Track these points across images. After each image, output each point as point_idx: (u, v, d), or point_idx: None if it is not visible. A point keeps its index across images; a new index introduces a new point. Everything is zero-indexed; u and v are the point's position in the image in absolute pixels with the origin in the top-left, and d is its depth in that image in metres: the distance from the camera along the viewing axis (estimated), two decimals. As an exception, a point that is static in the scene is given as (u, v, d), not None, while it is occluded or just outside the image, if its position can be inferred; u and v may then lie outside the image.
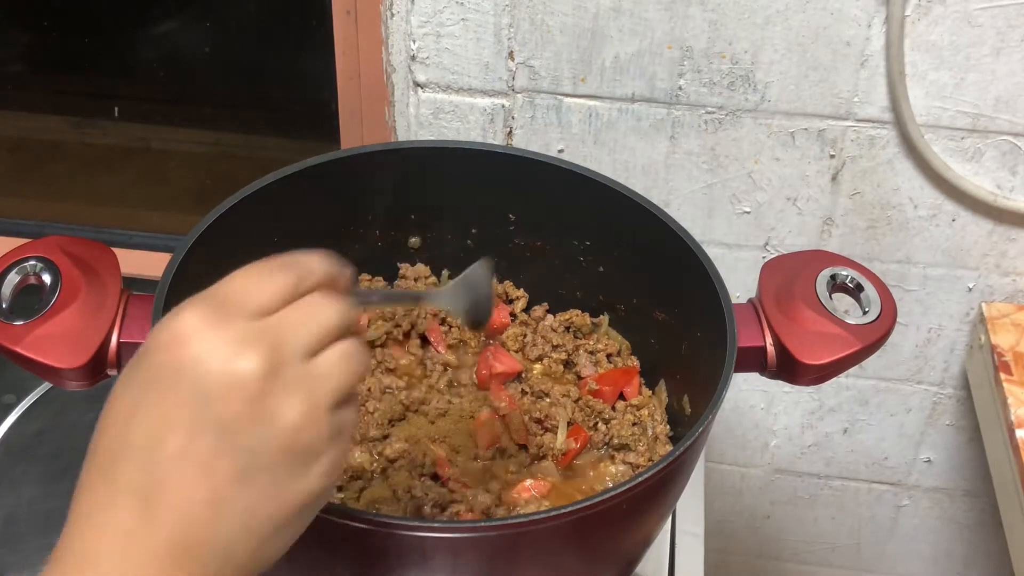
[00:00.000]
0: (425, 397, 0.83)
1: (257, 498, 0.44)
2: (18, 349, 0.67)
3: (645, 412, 0.83)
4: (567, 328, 0.89)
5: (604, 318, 0.89)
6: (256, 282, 0.46)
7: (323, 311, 0.47)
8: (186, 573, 0.43)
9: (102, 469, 0.44)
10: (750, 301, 0.77)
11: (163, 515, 0.43)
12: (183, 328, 0.44)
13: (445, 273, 0.92)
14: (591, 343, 0.88)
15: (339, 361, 0.47)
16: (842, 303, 0.75)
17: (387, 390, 0.83)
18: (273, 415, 0.44)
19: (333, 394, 0.46)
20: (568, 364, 0.88)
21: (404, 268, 0.91)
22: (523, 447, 0.81)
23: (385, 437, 0.79)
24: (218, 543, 0.44)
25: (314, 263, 0.48)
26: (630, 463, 0.80)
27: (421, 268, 0.91)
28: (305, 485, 0.46)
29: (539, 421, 0.81)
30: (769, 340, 0.74)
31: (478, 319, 0.64)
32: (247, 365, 0.44)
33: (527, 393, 0.84)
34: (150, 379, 0.44)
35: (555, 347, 0.88)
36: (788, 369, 0.73)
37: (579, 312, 0.90)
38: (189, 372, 0.44)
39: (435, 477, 0.77)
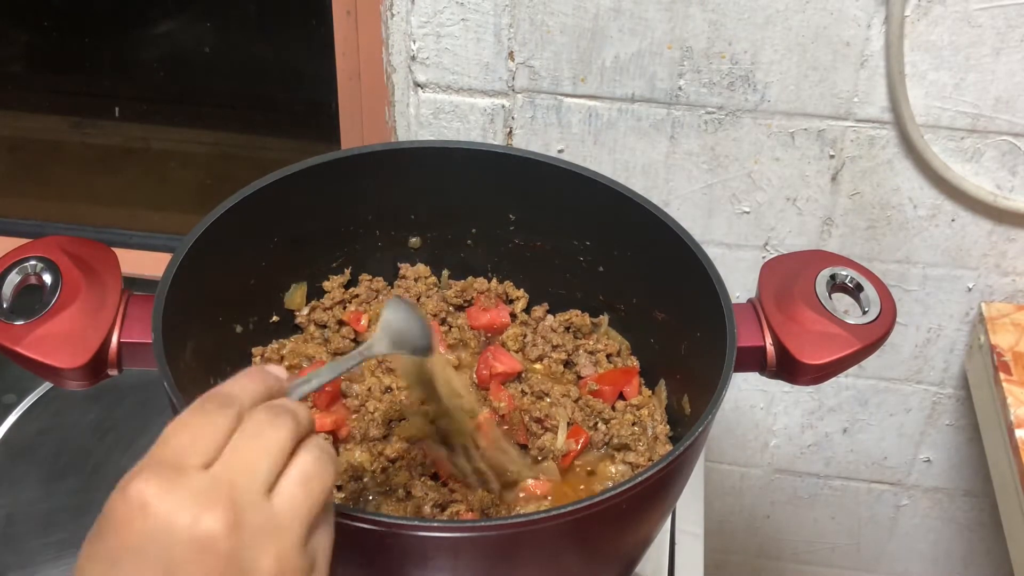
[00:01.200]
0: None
1: None
2: (18, 349, 0.67)
3: (645, 412, 0.83)
4: (567, 328, 0.89)
5: (604, 318, 0.89)
6: (197, 431, 0.45)
7: (270, 435, 0.46)
8: None
9: None
10: (750, 301, 0.77)
11: None
12: (139, 497, 0.43)
13: (445, 273, 0.92)
14: (591, 343, 0.88)
15: (300, 489, 0.46)
16: (842, 303, 0.76)
17: (387, 390, 0.83)
18: (247, 571, 0.43)
19: (302, 528, 0.46)
20: (568, 364, 0.88)
21: (404, 268, 0.91)
22: (523, 447, 0.81)
23: (385, 437, 0.79)
24: None
25: (244, 386, 0.48)
26: (630, 463, 0.80)
27: (421, 268, 0.91)
28: None
29: (539, 421, 0.81)
30: (769, 340, 0.74)
31: (423, 346, 0.63)
32: (211, 524, 0.43)
33: (527, 393, 0.84)
34: (115, 557, 0.43)
35: (555, 347, 0.88)
36: (788, 369, 0.73)
37: (579, 312, 0.90)
38: (154, 543, 0.42)
39: (435, 477, 0.77)
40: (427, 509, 0.74)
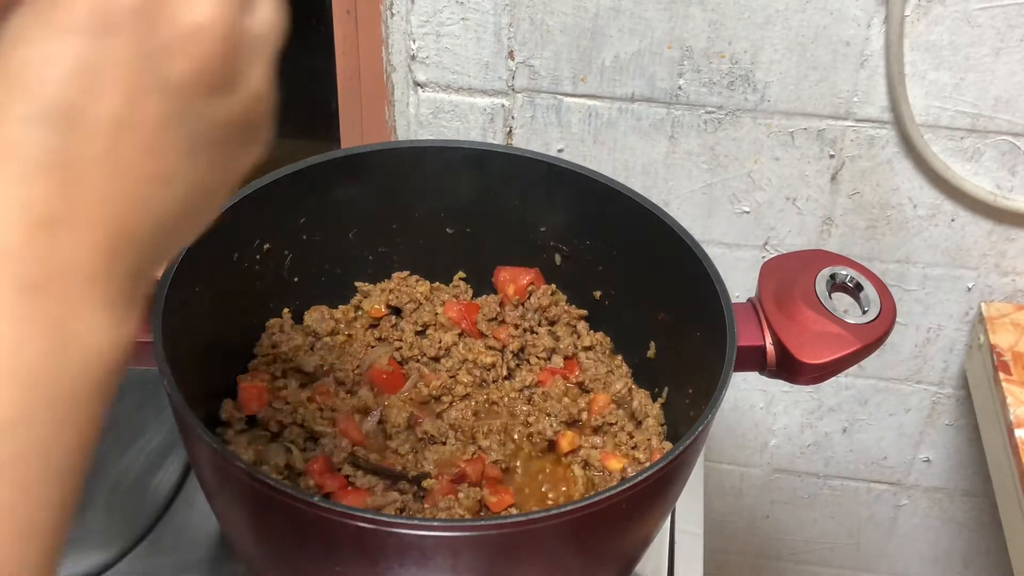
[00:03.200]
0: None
1: (210, 166, 0.38)
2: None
3: (644, 411, 0.83)
4: (552, 322, 0.90)
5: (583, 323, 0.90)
6: None
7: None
8: (127, 276, 0.36)
9: (5, 134, 0.34)
10: (750, 301, 0.77)
11: (100, 197, 0.35)
12: None
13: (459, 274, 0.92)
14: (583, 340, 0.88)
15: (272, 11, 0.39)
16: (841, 303, 0.76)
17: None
18: (231, 83, 0.38)
19: (272, 52, 0.40)
20: (551, 358, 0.88)
21: (403, 275, 0.92)
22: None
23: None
24: (159, 229, 0.37)
25: None
26: (627, 458, 0.80)
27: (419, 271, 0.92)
28: (253, 152, 0.41)
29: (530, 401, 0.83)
30: (769, 339, 0.74)
31: None
32: (212, 18, 0.36)
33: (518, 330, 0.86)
34: (75, 26, 0.34)
35: (551, 350, 0.88)
36: (788, 368, 0.73)
37: (569, 307, 0.90)
38: (131, 27, 0.35)
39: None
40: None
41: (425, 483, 0.76)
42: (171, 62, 0.35)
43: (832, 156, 1.05)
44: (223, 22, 0.36)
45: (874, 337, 0.73)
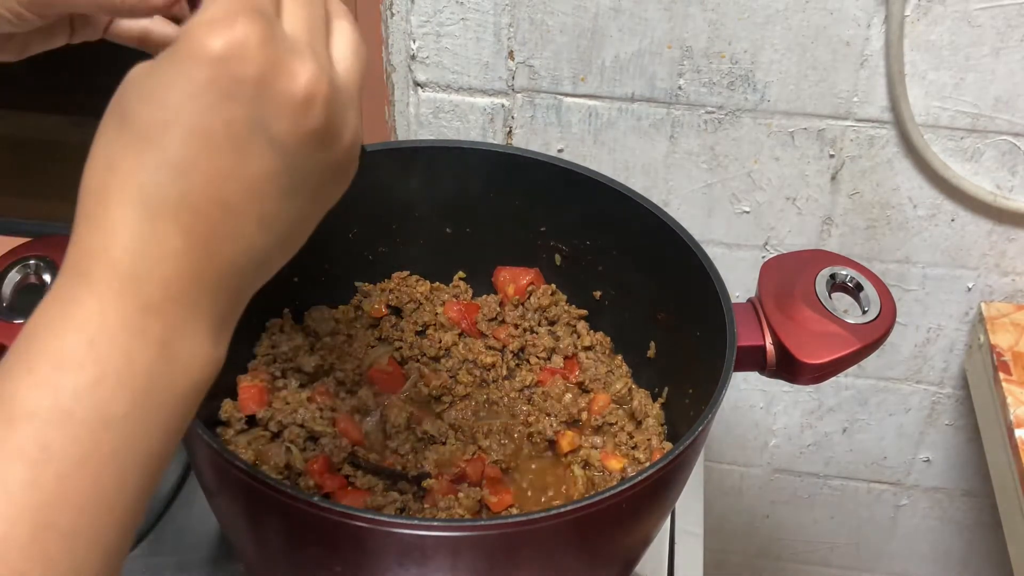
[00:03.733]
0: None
1: (303, 211, 0.43)
2: (18, 348, 0.67)
3: (644, 411, 0.83)
4: (552, 322, 0.90)
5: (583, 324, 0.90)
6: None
7: (315, 3, 0.43)
8: (227, 303, 0.42)
9: (134, 172, 0.40)
10: (750, 300, 0.77)
11: (212, 236, 0.40)
12: (238, 38, 0.39)
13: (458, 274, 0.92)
14: (583, 340, 0.88)
15: (355, 58, 0.44)
16: (841, 303, 0.76)
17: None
18: (330, 140, 0.42)
19: (358, 95, 0.45)
20: (551, 358, 0.88)
21: (403, 275, 0.92)
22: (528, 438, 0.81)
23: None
24: (257, 263, 0.42)
25: None
26: (627, 458, 0.80)
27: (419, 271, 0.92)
28: (340, 189, 0.45)
29: (530, 400, 0.82)
30: (769, 339, 0.74)
31: None
32: (314, 88, 0.40)
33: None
34: (195, 88, 0.39)
35: (551, 349, 0.88)
36: (788, 368, 0.73)
37: (569, 307, 0.90)
38: (246, 90, 0.39)
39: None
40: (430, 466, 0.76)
41: (425, 483, 0.76)
42: (279, 125, 0.40)
43: (832, 156, 1.05)
44: (323, 90, 0.41)
45: (874, 337, 0.73)
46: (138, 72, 0.41)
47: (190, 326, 0.40)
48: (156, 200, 0.39)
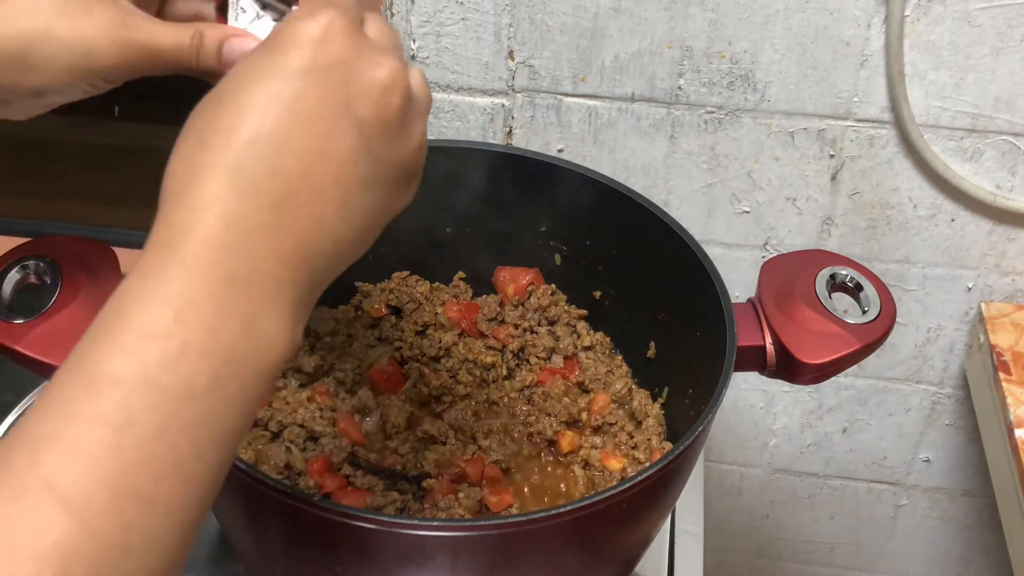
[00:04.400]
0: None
1: (377, 205, 0.45)
2: (18, 348, 0.67)
3: (644, 411, 0.83)
4: (552, 322, 0.90)
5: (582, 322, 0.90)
6: (370, 9, 0.47)
7: (395, 36, 0.47)
8: (306, 287, 0.43)
9: (225, 151, 0.41)
10: (750, 300, 0.77)
11: (297, 214, 0.42)
12: (328, 29, 0.43)
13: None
14: (583, 340, 0.88)
15: (423, 83, 0.48)
16: (841, 303, 0.76)
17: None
18: (404, 136, 0.45)
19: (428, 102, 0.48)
20: (551, 358, 0.88)
21: (403, 275, 0.91)
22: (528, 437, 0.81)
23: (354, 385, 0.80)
24: (335, 251, 0.44)
25: None
26: (627, 458, 0.80)
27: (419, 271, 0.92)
28: (404, 200, 0.48)
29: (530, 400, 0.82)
30: (769, 339, 0.74)
31: None
32: (395, 80, 0.44)
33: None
34: (288, 72, 0.42)
35: (551, 349, 0.88)
36: (788, 368, 0.73)
37: (569, 307, 0.90)
38: (335, 73, 0.42)
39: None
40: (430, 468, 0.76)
41: (425, 483, 0.76)
42: (363, 107, 0.43)
43: (832, 156, 1.05)
44: (403, 82, 0.44)
45: (874, 337, 0.73)
46: (236, 67, 0.44)
47: (273, 304, 0.41)
48: (248, 174, 0.41)
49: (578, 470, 0.80)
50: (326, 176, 0.42)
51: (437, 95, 1.07)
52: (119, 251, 0.75)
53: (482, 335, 0.89)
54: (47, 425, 0.37)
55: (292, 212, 0.41)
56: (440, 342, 0.87)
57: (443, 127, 1.09)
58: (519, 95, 1.06)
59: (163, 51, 0.53)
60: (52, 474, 0.36)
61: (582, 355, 0.87)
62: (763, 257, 1.13)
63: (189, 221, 0.41)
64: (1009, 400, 1.00)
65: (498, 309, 0.90)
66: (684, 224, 0.79)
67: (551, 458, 0.82)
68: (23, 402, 1.03)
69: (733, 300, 0.74)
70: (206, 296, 0.39)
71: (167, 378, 0.38)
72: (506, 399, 0.85)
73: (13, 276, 0.71)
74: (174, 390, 0.38)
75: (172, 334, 0.39)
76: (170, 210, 0.41)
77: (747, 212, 1.10)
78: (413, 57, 1.05)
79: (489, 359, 0.86)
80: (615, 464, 0.80)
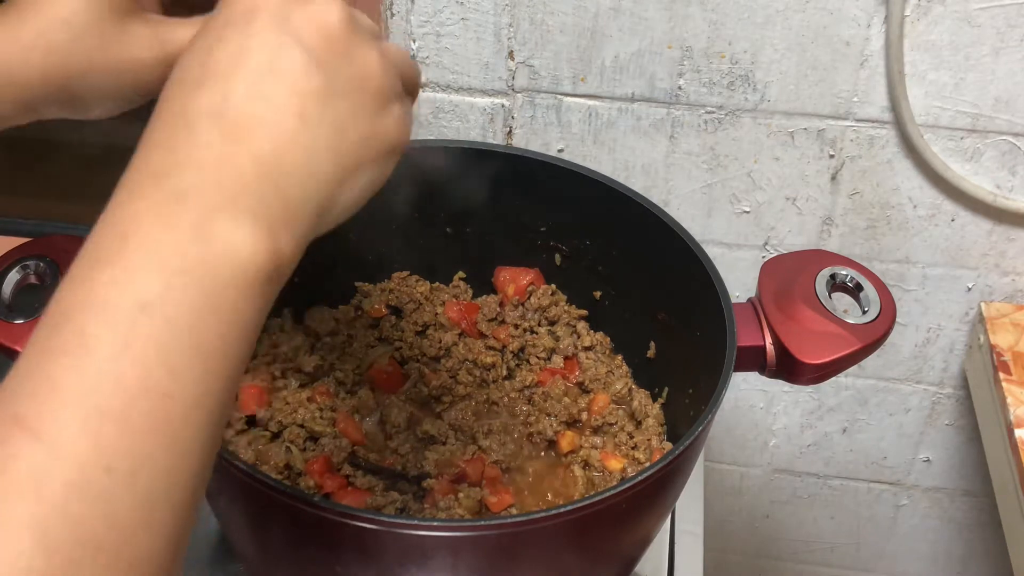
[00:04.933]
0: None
1: (343, 118, 0.45)
2: (18, 348, 0.67)
3: (644, 411, 0.83)
4: (552, 322, 0.90)
5: (582, 322, 0.90)
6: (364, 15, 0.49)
7: (407, 56, 0.50)
8: (275, 198, 0.42)
9: (176, 96, 0.43)
10: (750, 300, 0.77)
11: (251, 131, 0.42)
12: None
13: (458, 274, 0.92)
14: (583, 340, 0.88)
15: (400, 52, 0.49)
16: (841, 303, 0.76)
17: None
18: (353, 55, 0.46)
19: (400, 65, 0.49)
20: (551, 358, 0.88)
21: (403, 275, 0.91)
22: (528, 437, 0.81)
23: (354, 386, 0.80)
24: (304, 163, 0.43)
25: None
26: (627, 458, 0.80)
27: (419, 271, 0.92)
28: (383, 126, 0.47)
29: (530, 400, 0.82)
30: (769, 339, 0.74)
31: None
32: (330, 5, 0.45)
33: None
34: (230, 19, 0.44)
35: (551, 350, 0.88)
36: (788, 368, 0.73)
37: (569, 307, 0.90)
38: (272, 7, 0.44)
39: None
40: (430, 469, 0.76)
41: (425, 483, 0.76)
42: (305, 32, 0.44)
43: (832, 156, 1.05)
44: (337, 9, 0.45)
45: (874, 337, 0.73)
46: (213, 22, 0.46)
47: (226, 212, 0.40)
48: (192, 109, 0.42)
49: (578, 470, 0.80)
50: (276, 88, 0.43)
51: (437, 95, 1.07)
52: (119, 251, 0.74)
53: (482, 335, 0.89)
54: (19, 369, 0.37)
55: (242, 128, 0.42)
56: (440, 342, 0.87)
57: (443, 127, 1.09)
58: (519, 95, 1.06)
59: None
60: (20, 409, 0.36)
61: (582, 355, 0.87)
62: (763, 257, 1.13)
63: (139, 161, 0.42)
64: (1009, 400, 1.00)
65: (498, 309, 0.90)
66: (684, 224, 0.79)
67: (551, 458, 0.82)
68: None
69: (733, 300, 0.74)
70: (149, 210, 0.40)
71: (117, 295, 0.38)
72: (506, 399, 0.85)
73: (13, 276, 0.71)
74: (126, 306, 0.38)
75: (119, 252, 0.39)
76: (132, 159, 0.43)
77: (747, 212, 1.10)
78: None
79: (489, 359, 0.86)
80: (615, 464, 0.80)
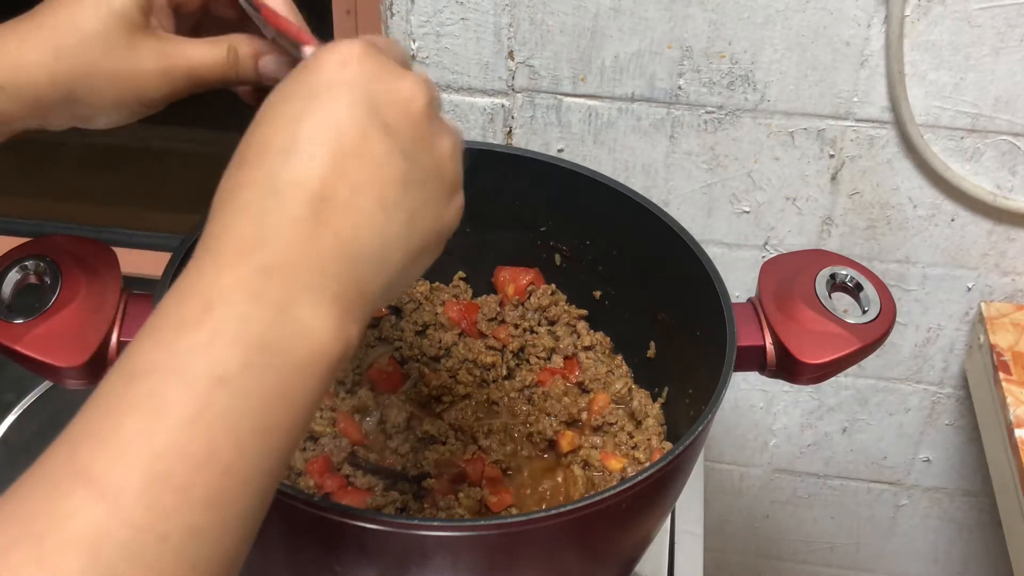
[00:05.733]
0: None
1: (416, 207, 0.46)
2: (18, 348, 0.67)
3: (644, 411, 0.83)
4: (552, 322, 0.90)
5: (582, 322, 0.90)
6: (392, 42, 0.50)
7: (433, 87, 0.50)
8: (351, 282, 0.43)
9: (262, 162, 0.43)
10: (750, 300, 0.77)
11: (335, 211, 0.43)
12: (349, 52, 0.45)
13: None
14: (583, 340, 0.88)
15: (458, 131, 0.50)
16: (841, 302, 0.76)
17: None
18: (432, 141, 0.47)
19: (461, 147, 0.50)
20: (551, 358, 0.88)
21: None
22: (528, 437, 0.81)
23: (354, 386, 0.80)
24: (378, 249, 0.44)
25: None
26: (627, 458, 0.80)
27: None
28: (449, 214, 0.50)
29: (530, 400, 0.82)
30: (769, 339, 0.74)
31: None
32: (417, 89, 0.46)
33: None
34: (317, 90, 0.45)
35: (551, 349, 0.88)
36: (788, 368, 0.73)
37: (569, 307, 0.90)
38: (360, 85, 0.45)
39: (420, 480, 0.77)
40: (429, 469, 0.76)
41: (425, 483, 0.76)
42: (391, 113, 0.45)
43: (832, 156, 1.05)
44: (425, 91, 0.47)
45: (874, 337, 0.73)
46: (270, 94, 0.46)
47: (310, 294, 0.41)
48: (282, 179, 0.42)
49: (578, 470, 0.80)
50: (362, 173, 0.43)
51: (437, 95, 1.07)
52: (119, 251, 0.75)
53: (482, 335, 0.89)
54: (87, 421, 0.38)
55: (329, 208, 0.42)
56: (440, 342, 0.87)
57: (443, 127, 1.09)
58: (519, 95, 1.06)
59: (204, 70, 0.56)
60: (86, 463, 0.36)
61: (582, 355, 0.87)
62: (763, 257, 1.13)
63: (225, 225, 0.42)
64: (1009, 400, 1.00)
65: (498, 309, 0.90)
66: (684, 224, 0.79)
67: (551, 458, 0.82)
68: (23, 402, 1.03)
69: (733, 300, 0.74)
70: (236, 284, 0.40)
71: (197, 363, 0.38)
72: (506, 399, 0.85)
73: (13, 276, 0.71)
74: (205, 376, 0.38)
75: (202, 322, 0.39)
76: (210, 222, 0.43)
77: (747, 212, 1.10)
78: (413, 57, 1.05)
79: (489, 359, 0.86)
80: (615, 464, 0.80)
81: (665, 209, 0.81)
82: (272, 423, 0.39)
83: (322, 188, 0.42)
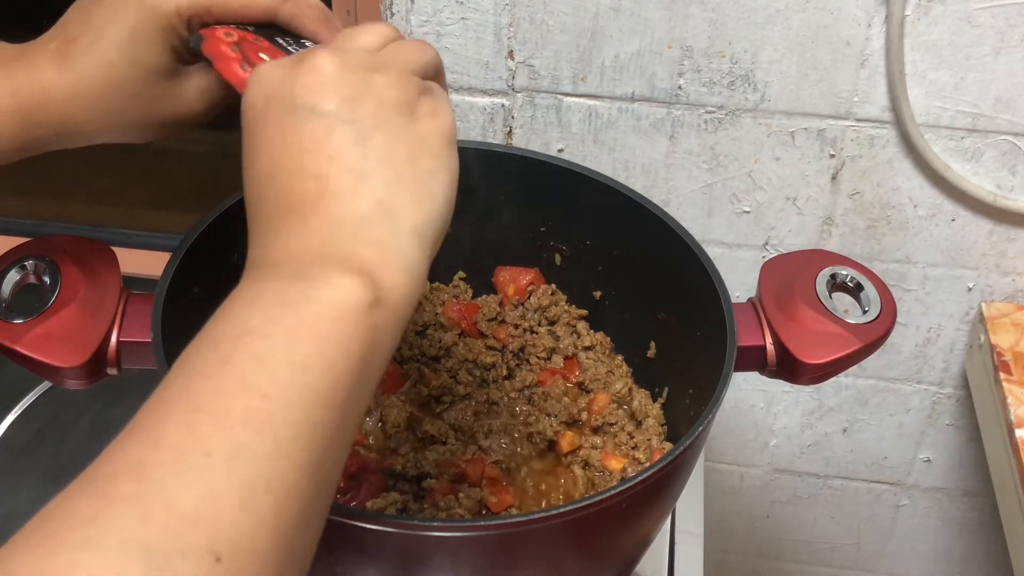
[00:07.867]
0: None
1: (384, 149, 0.48)
2: (17, 348, 0.67)
3: (644, 411, 0.83)
4: (552, 322, 0.90)
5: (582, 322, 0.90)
6: (364, 30, 0.53)
7: (415, 48, 0.53)
8: (366, 246, 0.47)
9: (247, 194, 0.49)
10: (750, 300, 0.77)
11: (309, 207, 0.47)
12: (319, 61, 0.49)
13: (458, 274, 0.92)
14: (583, 340, 0.88)
15: (407, 52, 0.52)
16: (842, 302, 0.75)
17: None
18: (365, 92, 0.49)
19: (411, 63, 0.52)
20: (551, 358, 0.88)
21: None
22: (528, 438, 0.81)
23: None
24: (375, 207, 0.48)
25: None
26: (627, 458, 0.80)
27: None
28: (422, 128, 0.51)
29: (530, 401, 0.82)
30: (769, 339, 0.74)
31: None
32: (323, 61, 0.49)
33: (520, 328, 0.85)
34: (256, 118, 0.50)
35: (551, 349, 0.88)
36: (788, 368, 0.73)
37: (569, 307, 0.90)
38: (279, 92, 0.49)
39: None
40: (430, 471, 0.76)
41: (425, 483, 0.76)
42: (302, 95, 0.48)
43: (832, 156, 1.05)
44: (334, 63, 0.49)
45: (874, 337, 0.73)
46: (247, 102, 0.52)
47: (322, 264, 0.46)
48: (259, 197, 0.49)
49: (578, 470, 0.80)
50: (319, 161, 0.47)
51: (437, 95, 1.07)
52: (119, 251, 0.75)
53: (482, 335, 0.89)
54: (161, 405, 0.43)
55: (305, 207, 0.47)
56: (440, 342, 0.87)
57: (443, 127, 1.09)
58: (519, 95, 1.06)
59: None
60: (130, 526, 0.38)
61: (582, 355, 0.87)
62: (763, 257, 1.13)
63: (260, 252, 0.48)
64: (1009, 400, 1.00)
65: (498, 309, 0.90)
66: (684, 224, 0.79)
67: (551, 458, 0.82)
68: (23, 402, 1.03)
69: (733, 300, 0.74)
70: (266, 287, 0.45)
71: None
72: (506, 399, 0.85)
73: (12, 276, 0.71)
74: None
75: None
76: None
77: (747, 212, 1.10)
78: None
79: (489, 359, 0.86)
80: (615, 464, 0.80)
81: (665, 209, 0.81)
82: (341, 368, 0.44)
83: (288, 198, 0.47)
